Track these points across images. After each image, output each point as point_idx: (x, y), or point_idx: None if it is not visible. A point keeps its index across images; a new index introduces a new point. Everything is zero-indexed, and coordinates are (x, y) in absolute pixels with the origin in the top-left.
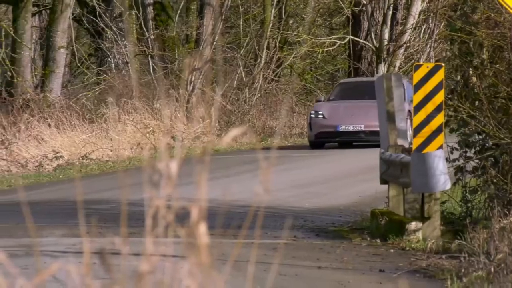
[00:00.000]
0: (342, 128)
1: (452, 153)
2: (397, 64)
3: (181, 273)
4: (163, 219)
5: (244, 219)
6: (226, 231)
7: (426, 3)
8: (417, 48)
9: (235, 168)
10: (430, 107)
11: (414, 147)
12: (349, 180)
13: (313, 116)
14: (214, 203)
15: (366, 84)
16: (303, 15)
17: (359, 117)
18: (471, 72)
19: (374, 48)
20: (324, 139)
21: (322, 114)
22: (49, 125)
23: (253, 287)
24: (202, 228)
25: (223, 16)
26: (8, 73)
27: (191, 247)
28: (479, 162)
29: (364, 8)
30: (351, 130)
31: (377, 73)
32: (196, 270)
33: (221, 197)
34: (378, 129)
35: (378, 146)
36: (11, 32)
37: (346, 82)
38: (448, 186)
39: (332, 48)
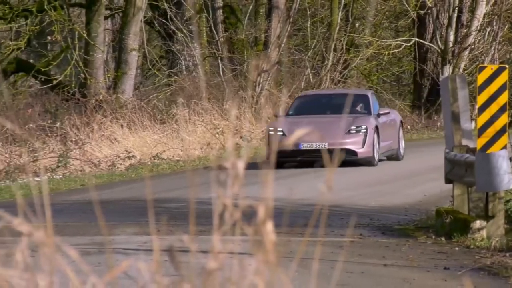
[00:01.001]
0: (305, 146)
1: None
2: (462, 66)
3: (248, 270)
4: (231, 217)
5: (310, 218)
6: (293, 229)
7: (490, 6)
8: (482, 50)
9: (301, 167)
10: (494, 108)
11: (478, 147)
12: (415, 180)
13: (271, 133)
14: (280, 202)
15: (327, 98)
16: (370, 18)
17: (323, 134)
18: None
19: (439, 50)
20: (284, 159)
21: (282, 131)
22: (122, 125)
23: (319, 285)
24: (269, 226)
25: (291, 19)
26: (81, 74)
27: (258, 245)
28: None
29: (429, 11)
30: (314, 148)
31: (442, 74)
32: (263, 267)
33: (287, 196)
34: (344, 146)
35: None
36: (85, 35)
37: (306, 96)
38: None
39: (397, 50)
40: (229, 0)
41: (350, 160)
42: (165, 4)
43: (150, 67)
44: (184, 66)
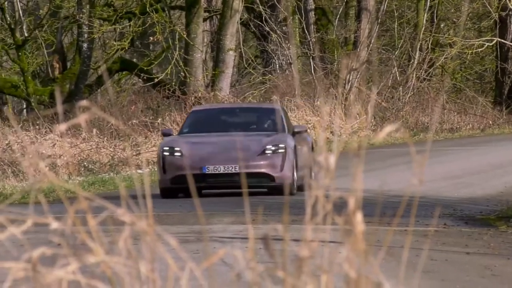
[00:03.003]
0: (210, 169)
1: None
2: None
3: (339, 258)
4: (322, 208)
5: (397, 208)
6: (381, 219)
7: None
8: None
9: (390, 160)
10: None
11: None
12: (496, 172)
13: (166, 154)
14: (369, 193)
15: (229, 112)
16: (454, 19)
17: (232, 155)
18: None
19: None
20: (183, 185)
21: (179, 152)
22: None
23: (405, 271)
24: (358, 216)
25: (379, 20)
26: (181, 73)
27: (348, 234)
28: None
29: (510, 12)
30: (222, 172)
31: None
32: (353, 255)
33: (376, 188)
34: (258, 170)
35: (260, 192)
36: (184, 36)
37: (202, 110)
38: None
39: (480, 49)
40: (320, 3)
41: (264, 186)
42: (260, 6)
43: (246, 66)
44: (278, 65)
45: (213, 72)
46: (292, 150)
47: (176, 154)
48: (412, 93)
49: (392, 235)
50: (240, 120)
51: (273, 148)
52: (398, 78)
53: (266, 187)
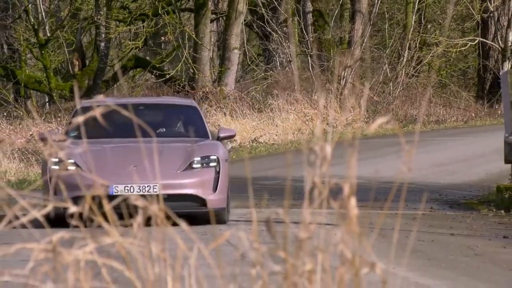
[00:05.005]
0: (120, 190)
1: None
2: None
3: (335, 239)
4: (319, 193)
5: (388, 194)
6: (373, 203)
7: None
8: None
9: (381, 150)
10: None
11: None
12: (478, 160)
13: (55, 167)
14: (363, 180)
15: (130, 110)
16: (440, 21)
17: (147, 170)
18: None
19: (499, 48)
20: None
21: (74, 164)
22: (224, 113)
23: (396, 251)
24: (353, 201)
25: (371, 22)
26: (190, 70)
27: (343, 217)
28: None
29: (491, 14)
30: (136, 193)
31: (502, 69)
32: (348, 237)
33: (369, 175)
34: (184, 191)
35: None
36: (193, 36)
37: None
38: None
39: (464, 48)
40: (317, 5)
41: (193, 212)
42: (263, 9)
43: (249, 63)
44: (278, 63)
45: (220, 69)
46: (225, 163)
47: (70, 167)
48: (401, 88)
49: (383, 218)
50: (149, 120)
51: (202, 160)
52: (388, 74)
53: (195, 213)
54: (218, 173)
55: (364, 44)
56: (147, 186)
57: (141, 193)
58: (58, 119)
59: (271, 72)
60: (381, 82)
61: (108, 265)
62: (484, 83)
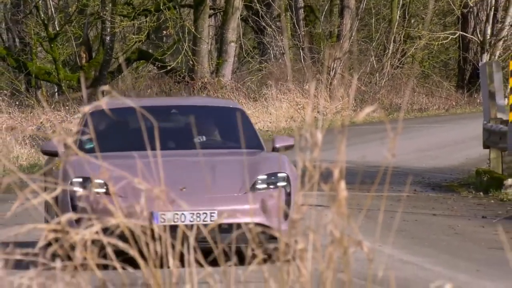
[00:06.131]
0: (166, 218)
1: None
2: (497, 54)
3: (325, 220)
4: (311, 177)
5: (375, 177)
6: (361, 186)
7: None
8: None
9: (368, 136)
10: None
11: (510, 119)
12: (459, 146)
13: (78, 189)
14: (351, 164)
15: (158, 114)
16: (423, 15)
17: (201, 192)
18: None
19: (479, 41)
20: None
21: (104, 186)
22: None
23: (381, 231)
24: (342, 184)
25: (359, 16)
26: (190, 62)
27: (333, 199)
28: None
29: (471, 9)
30: (189, 222)
31: (481, 61)
32: (337, 217)
33: (357, 159)
34: (245, 219)
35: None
36: (193, 30)
37: (117, 110)
38: None
39: (445, 41)
40: (308, 1)
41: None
42: (257, 4)
43: (245, 55)
44: (272, 55)
45: (217, 61)
46: (296, 182)
47: (99, 189)
48: (387, 78)
49: (370, 200)
50: (184, 127)
51: (268, 179)
52: (375, 65)
53: (261, 247)
54: (289, 195)
55: (352, 37)
56: (203, 214)
57: (194, 222)
58: (67, 107)
59: (266, 64)
60: (368, 73)
61: (113, 244)
62: (464, 74)
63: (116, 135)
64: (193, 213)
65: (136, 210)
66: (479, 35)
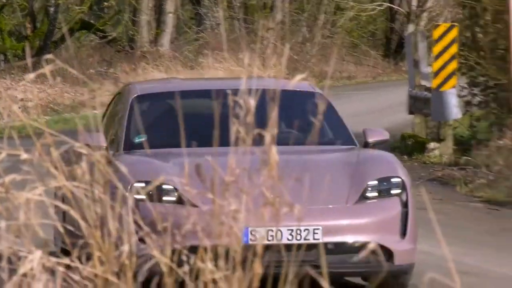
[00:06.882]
0: (258, 235)
1: (462, 91)
2: (422, 24)
3: (257, 182)
4: (244, 141)
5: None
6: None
7: None
8: (438, 12)
9: None
10: (446, 56)
11: (433, 86)
12: (385, 112)
13: (140, 196)
14: None
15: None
16: None
17: (296, 203)
18: (477, 30)
19: (405, 12)
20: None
21: (174, 191)
22: (160, 71)
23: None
24: (273, 149)
25: None
26: (130, 32)
27: (265, 163)
28: (483, 98)
29: None
30: (289, 242)
31: (406, 31)
32: (268, 180)
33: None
34: (356, 237)
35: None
36: (133, 1)
37: (154, 95)
38: (459, 115)
39: (373, 12)
40: None
41: (370, 271)
42: None
43: (183, 26)
44: (209, 25)
45: (156, 31)
46: (411, 188)
47: (167, 197)
48: (317, 48)
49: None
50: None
51: (379, 186)
52: (306, 36)
53: (372, 272)
54: (405, 206)
55: (284, 8)
56: (304, 230)
57: (293, 241)
58: (12, 75)
59: (202, 34)
60: (299, 43)
61: (55, 205)
62: (391, 44)
63: (168, 126)
64: (291, 230)
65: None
66: (405, 6)
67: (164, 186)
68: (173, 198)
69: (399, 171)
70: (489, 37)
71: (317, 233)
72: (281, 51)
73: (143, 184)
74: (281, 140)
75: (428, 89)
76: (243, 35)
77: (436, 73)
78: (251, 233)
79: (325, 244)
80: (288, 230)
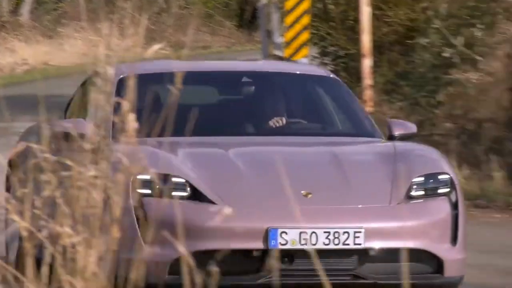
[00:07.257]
0: (289, 239)
1: (313, 60)
2: None
3: (115, 148)
4: (102, 109)
5: None
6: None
7: None
8: None
9: None
10: (298, 27)
11: (286, 56)
12: None
13: (144, 191)
14: None
15: (226, 85)
16: None
17: (333, 201)
18: (329, 1)
19: None
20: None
21: (187, 185)
22: (20, 40)
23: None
24: (131, 116)
25: None
26: None
27: (122, 130)
28: (333, 67)
29: None
30: (324, 247)
31: (260, 2)
32: (126, 147)
33: None
34: (402, 242)
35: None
36: None
37: (148, 75)
38: None
39: None
40: None
41: (421, 284)
42: None
43: None
44: None
45: (16, 1)
46: (459, 186)
47: (177, 193)
48: (175, 18)
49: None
50: (264, 103)
51: (425, 184)
52: (164, 6)
53: (420, 285)
54: (455, 207)
55: None
56: (344, 233)
57: (331, 246)
58: None
59: (61, 3)
60: (157, 13)
61: None
62: (245, 14)
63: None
64: (328, 232)
65: (247, 225)
66: None
67: (176, 179)
68: (185, 194)
69: (446, 168)
70: (340, 8)
71: (358, 237)
72: (138, 21)
73: (147, 177)
74: (299, 130)
75: (280, 58)
76: (101, 5)
77: (288, 43)
78: (280, 236)
79: (366, 250)
80: (325, 232)
